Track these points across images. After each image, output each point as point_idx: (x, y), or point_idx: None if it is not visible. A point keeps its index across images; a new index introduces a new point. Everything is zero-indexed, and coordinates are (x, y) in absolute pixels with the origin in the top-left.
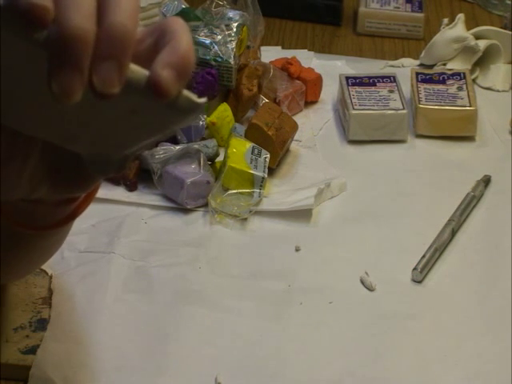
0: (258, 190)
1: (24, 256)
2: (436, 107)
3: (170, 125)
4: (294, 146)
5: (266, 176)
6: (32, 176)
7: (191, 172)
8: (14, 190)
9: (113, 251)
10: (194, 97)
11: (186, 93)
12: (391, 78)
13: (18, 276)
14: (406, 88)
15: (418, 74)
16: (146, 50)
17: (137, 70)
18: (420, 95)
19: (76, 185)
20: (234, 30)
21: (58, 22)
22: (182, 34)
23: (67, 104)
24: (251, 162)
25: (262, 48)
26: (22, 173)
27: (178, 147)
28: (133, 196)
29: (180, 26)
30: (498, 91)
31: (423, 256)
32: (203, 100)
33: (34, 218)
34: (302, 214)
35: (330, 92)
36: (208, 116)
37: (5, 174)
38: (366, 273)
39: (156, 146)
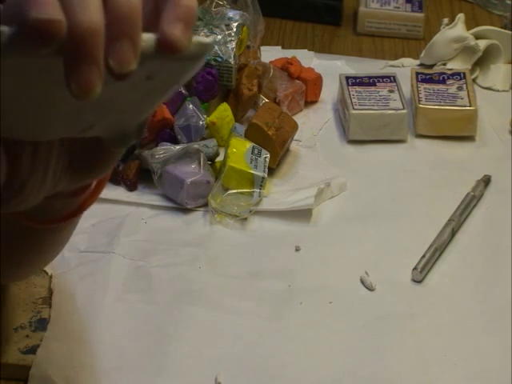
0: (257, 190)
1: (34, 252)
2: (436, 107)
3: (185, 74)
4: (294, 145)
5: (266, 176)
6: (54, 175)
7: (191, 172)
8: (39, 196)
9: (113, 251)
10: (202, 39)
11: (195, 39)
12: (391, 78)
13: (27, 273)
14: (406, 88)
15: (417, 73)
16: (148, 14)
17: (146, 38)
18: (420, 95)
19: (97, 167)
20: (234, 29)
21: (68, 22)
22: None
23: (89, 100)
24: (251, 162)
25: (262, 48)
26: (46, 178)
27: (177, 147)
28: (133, 196)
29: None
30: (498, 91)
31: (423, 256)
32: (209, 40)
33: (44, 212)
34: (302, 214)
35: (330, 92)
36: (208, 116)
37: (30, 188)
38: (366, 273)
39: (156, 145)
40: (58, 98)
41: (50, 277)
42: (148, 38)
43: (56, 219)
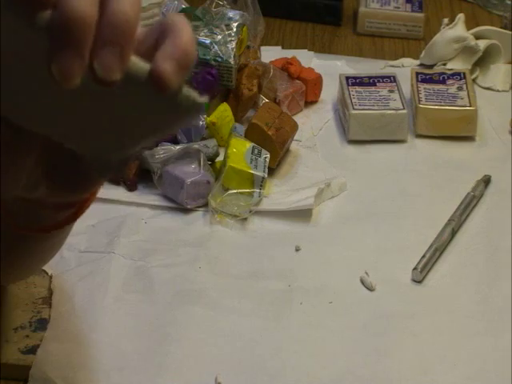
0: (258, 190)
1: (26, 257)
2: (436, 107)
3: (170, 123)
4: (294, 145)
5: (266, 176)
6: (31, 173)
7: (191, 172)
8: (12, 183)
9: (113, 251)
10: (194, 95)
11: (187, 90)
12: (391, 78)
13: (20, 277)
14: (406, 88)
15: (417, 73)
16: (148, 49)
17: (138, 62)
18: (420, 95)
19: (75, 186)
20: (234, 29)
21: (60, 4)
22: (182, 27)
23: (67, 87)
24: (251, 162)
25: (262, 48)
26: (21, 167)
27: (178, 147)
28: (133, 196)
29: (180, 20)
30: (498, 91)
31: (423, 256)
32: (204, 99)
33: (34, 220)
34: (302, 214)
35: (329, 92)
36: (208, 116)
37: (4, 165)
38: (366, 273)
39: (156, 145)
40: (42, 84)
41: (50, 277)
42: (139, 63)
43: (46, 227)
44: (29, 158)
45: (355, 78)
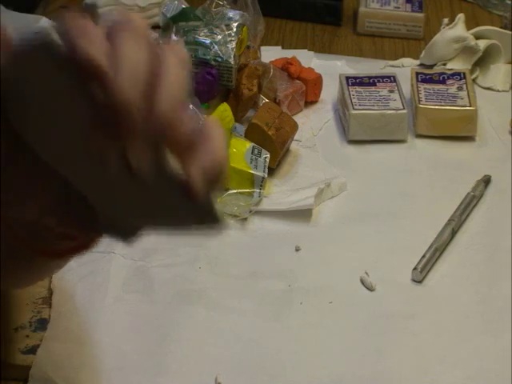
0: (258, 190)
1: (21, 272)
2: (436, 107)
3: (187, 222)
4: (294, 146)
5: (266, 176)
6: (38, 201)
7: None
8: (13, 208)
9: (113, 251)
10: (218, 212)
11: (213, 204)
12: (391, 78)
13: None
14: (406, 88)
15: (418, 73)
16: (183, 137)
17: (171, 164)
18: (420, 95)
19: (83, 226)
20: (234, 29)
21: (109, 86)
22: (216, 138)
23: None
24: (251, 162)
25: (262, 48)
26: (27, 195)
27: None
28: None
29: (217, 131)
30: (498, 91)
31: (423, 256)
32: (224, 222)
33: (37, 242)
34: (302, 214)
35: (330, 92)
36: (208, 116)
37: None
38: (366, 273)
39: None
40: (73, 134)
41: (50, 277)
42: (172, 165)
43: (43, 251)
44: (46, 191)
45: (355, 77)
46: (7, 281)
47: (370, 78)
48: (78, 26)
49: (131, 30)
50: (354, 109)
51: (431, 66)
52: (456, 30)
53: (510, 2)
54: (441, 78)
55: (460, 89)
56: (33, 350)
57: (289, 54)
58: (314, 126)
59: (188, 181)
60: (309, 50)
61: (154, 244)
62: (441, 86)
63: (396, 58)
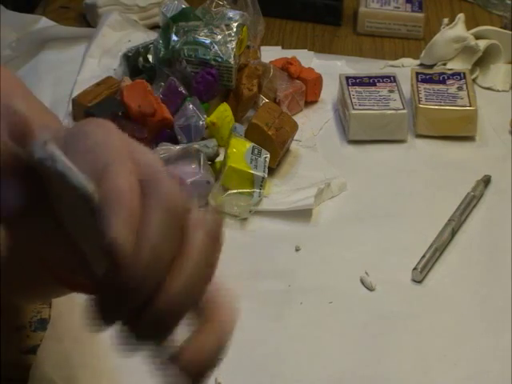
0: (258, 190)
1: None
2: (436, 107)
3: None
4: (294, 145)
5: (266, 176)
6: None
7: (191, 172)
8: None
9: None
10: None
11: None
12: (391, 78)
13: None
14: (406, 88)
15: (418, 73)
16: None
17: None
18: (420, 95)
19: (75, 271)
20: (234, 29)
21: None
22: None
23: None
24: (251, 162)
25: (262, 48)
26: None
27: (177, 147)
28: None
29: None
30: (498, 91)
31: (423, 256)
32: None
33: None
34: (302, 214)
35: (330, 92)
36: (208, 116)
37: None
38: (366, 273)
39: (156, 145)
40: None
41: None
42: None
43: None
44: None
45: (355, 77)
46: (21, 298)
47: (369, 77)
48: (117, 193)
49: (167, 201)
50: (353, 109)
51: (431, 66)
52: (456, 29)
53: (509, 2)
54: (441, 78)
55: (460, 89)
56: (33, 350)
57: (289, 53)
58: (314, 125)
59: (185, 370)
60: (309, 50)
61: None
62: (441, 86)
63: (396, 58)
